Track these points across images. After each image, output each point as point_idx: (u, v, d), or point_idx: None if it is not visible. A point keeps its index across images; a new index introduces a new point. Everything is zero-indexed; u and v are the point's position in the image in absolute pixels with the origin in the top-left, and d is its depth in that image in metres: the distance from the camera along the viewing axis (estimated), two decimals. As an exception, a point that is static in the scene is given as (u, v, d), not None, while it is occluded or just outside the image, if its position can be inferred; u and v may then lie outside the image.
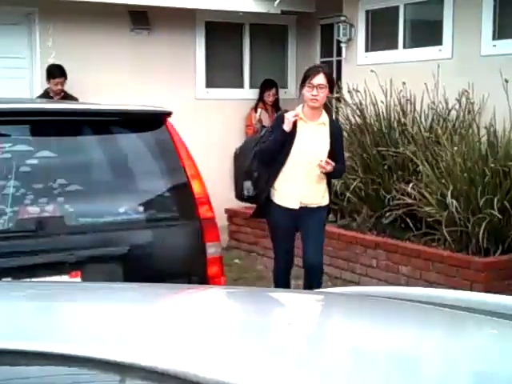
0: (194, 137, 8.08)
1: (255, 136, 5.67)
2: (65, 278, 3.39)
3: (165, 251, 3.72)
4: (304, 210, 5.17)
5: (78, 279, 3.41)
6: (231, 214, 8.34)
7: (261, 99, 9.18)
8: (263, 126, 8.94)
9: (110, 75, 8.32)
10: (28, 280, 3.22)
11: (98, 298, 2.15)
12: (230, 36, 9.42)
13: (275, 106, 9.10)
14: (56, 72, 7.66)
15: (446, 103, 6.97)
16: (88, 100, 6.97)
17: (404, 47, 7.83)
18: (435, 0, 7.53)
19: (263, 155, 5.22)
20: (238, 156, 5.54)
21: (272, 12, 8.91)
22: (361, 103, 7.42)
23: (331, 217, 7.63)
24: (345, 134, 7.80)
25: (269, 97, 9.14)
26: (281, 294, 2.68)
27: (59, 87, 7.63)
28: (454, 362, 1.62)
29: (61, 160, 3.66)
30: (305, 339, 1.79)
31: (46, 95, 7.62)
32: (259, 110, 8.95)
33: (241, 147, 5.63)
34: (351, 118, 7.55)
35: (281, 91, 9.68)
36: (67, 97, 7.61)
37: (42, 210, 3.45)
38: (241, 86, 9.50)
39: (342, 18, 8.38)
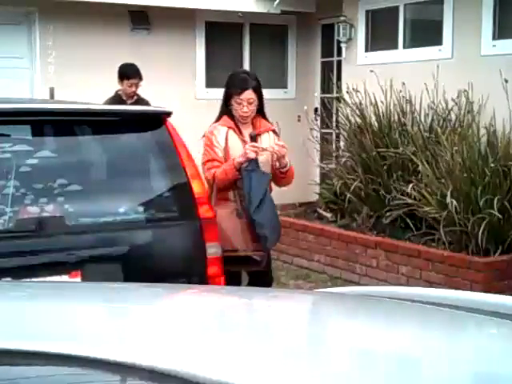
0: (193, 137, 8.09)
1: None
2: (65, 277, 3.39)
3: (165, 251, 3.71)
4: None
5: (78, 279, 3.41)
6: (231, 214, 8.33)
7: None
8: None
9: (110, 75, 8.31)
10: (28, 280, 3.21)
11: (98, 298, 2.15)
12: (230, 36, 9.42)
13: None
14: (130, 71, 6.81)
15: (446, 103, 6.97)
16: (88, 100, 6.96)
17: (404, 47, 7.83)
18: (435, 0, 7.53)
19: None
20: None
21: (272, 12, 8.91)
22: (361, 103, 7.42)
23: (331, 216, 7.65)
24: (345, 134, 7.83)
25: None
26: (281, 294, 2.68)
27: (133, 89, 6.78)
28: (454, 362, 1.62)
29: (61, 160, 3.66)
30: (305, 339, 1.79)
31: (117, 98, 6.77)
32: None
33: None
34: (351, 118, 7.55)
35: (280, 91, 9.67)
36: (139, 101, 6.74)
37: (42, 209, 3.45)
38: (241, 85, 9.48)
39: (342, 18, 8.39)
